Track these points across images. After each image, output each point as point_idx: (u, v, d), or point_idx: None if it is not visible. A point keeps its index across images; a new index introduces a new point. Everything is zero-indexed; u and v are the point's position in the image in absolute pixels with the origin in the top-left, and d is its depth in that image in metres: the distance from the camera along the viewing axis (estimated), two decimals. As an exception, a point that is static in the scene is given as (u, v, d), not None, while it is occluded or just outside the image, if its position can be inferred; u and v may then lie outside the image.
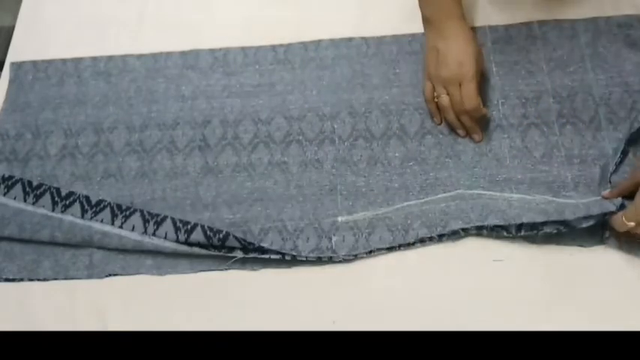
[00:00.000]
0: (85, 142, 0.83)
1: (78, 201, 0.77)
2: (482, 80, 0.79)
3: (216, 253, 0.73)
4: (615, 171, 0.72)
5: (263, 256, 0.72)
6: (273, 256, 0.72)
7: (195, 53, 0.88)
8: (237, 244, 0.72)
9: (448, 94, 0.75)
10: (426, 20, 0.79)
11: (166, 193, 0.79)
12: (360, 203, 0.76)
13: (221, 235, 0.71)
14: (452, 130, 0.78)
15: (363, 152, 0.79)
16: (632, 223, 0.64)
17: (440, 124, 0.79)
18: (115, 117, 0.85)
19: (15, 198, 0.78)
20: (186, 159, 0.81)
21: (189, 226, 0.73)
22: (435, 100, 0.77)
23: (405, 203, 0.75)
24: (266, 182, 0.78)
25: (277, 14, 0.91)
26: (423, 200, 0.75)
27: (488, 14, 0.86)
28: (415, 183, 0.76)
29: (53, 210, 0.77)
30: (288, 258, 0.72)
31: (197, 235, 0.72)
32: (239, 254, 0.72)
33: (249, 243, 0.71)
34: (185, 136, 0.82)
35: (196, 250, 0.73)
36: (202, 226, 0.72)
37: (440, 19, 0.76)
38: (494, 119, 0.79)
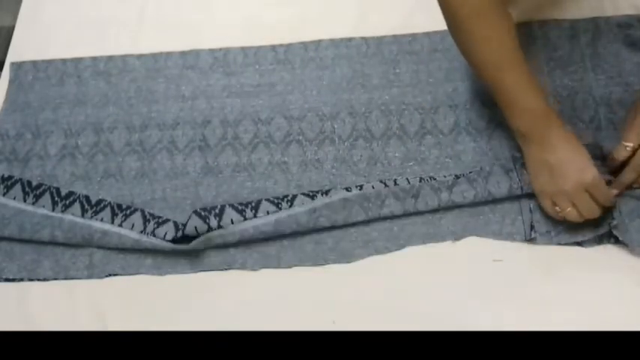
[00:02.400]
0: (85, 142, 0.83)
1: (78, 200, 0.77)
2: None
3: (215, 249, 0.73)
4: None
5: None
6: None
7: (195, 53, 0.88)
8: (235, 216, 0.72)
9: (574, 205, 0.68)
10: (522, 135, 0.71)
11: (166, 193, 0.79)
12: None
13: (217, 211, 0.72)
14: (452, 129, 0.78)
15: (363, 152, 0.79)
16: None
17: None
18: (115, 117, 0.85)
19: (15, 198, 0.78)
20: (186, 159, 0.81)
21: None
22: (560, 215, 0.70)
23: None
24: (266, 182, 0.78)
25: (277, 14, 0.92)
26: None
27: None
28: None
29: (53, 210, 0.77)
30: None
31: (192, 222, 0.72)
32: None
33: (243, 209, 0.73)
34: (185, 136, 0.82)
35: (194, 244, 0.72)
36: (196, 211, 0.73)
37: (539, 131, 0.69)
38: (494, 119, 0.79)
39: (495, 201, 0.74)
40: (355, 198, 0.73)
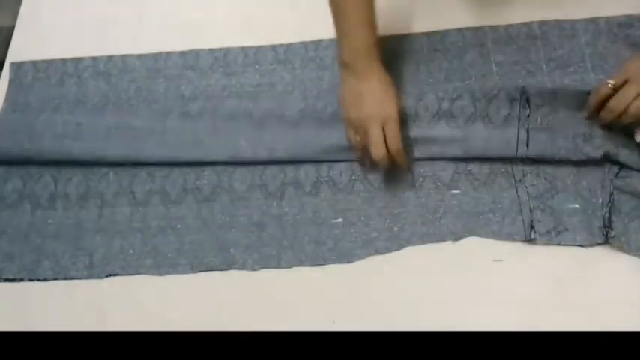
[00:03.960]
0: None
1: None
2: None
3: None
4: None
5: None
6: None
7: (195, 53, 0.88)
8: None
9: (367, 137, 0.71)
10: (346, 65, 0.75)
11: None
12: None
13: None
14: None
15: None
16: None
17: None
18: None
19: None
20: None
21: None
22: (354, 143, 0.74)
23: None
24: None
25: (277, 14, 0.91)
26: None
27: (488, 14, 0.86)
28: None
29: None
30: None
31: None
32: None
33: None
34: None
35: None
36: None
37: (360, 61, 0.73)
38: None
39: (495, 201, 0.74)
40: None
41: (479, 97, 0.76)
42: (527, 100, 0.75)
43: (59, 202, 0.79)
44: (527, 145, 0.74)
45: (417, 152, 0.76)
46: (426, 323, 0.67)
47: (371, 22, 0.73)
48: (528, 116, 0.75)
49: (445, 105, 0.76)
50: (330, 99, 0.79)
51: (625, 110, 0.70)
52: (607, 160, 0.73)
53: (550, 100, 0.76)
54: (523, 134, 0.74)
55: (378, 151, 0.70)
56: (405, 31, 0.86)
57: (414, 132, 0.76)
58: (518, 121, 0.75)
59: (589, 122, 0.74)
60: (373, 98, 0.72)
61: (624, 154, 0.72)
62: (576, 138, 0.74)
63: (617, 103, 0.70)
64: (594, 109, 0.73)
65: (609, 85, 0.71)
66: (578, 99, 0.75)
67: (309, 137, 0.78)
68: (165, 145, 0.79)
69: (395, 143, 0.71)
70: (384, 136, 0.71)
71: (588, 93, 0.74)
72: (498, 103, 0.75)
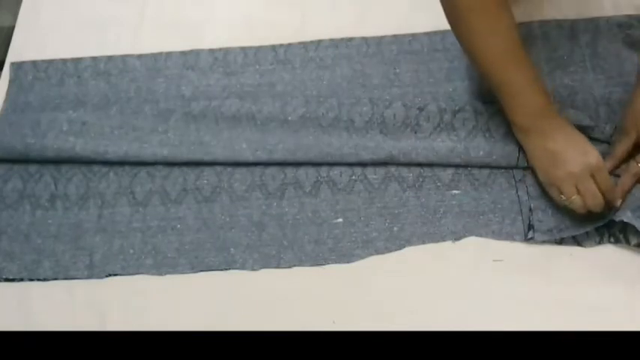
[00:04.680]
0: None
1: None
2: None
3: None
4: None
5: None
6: None
7: (195, 53, 0.88)
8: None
9: (579, 191, 0.68)
10: (523, 129, 0.71)
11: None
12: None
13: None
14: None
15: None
16: None
17: None
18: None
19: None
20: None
21: None
22: (566, 203, 0.69)
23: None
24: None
25: (277, 14, 0.91)
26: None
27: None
28: None
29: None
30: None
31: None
32: None
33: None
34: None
35: None
36: None
37: (540, 123, 0.70)
38: (495, 117, 0.78)
39: (495, 201, 0.74)
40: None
41: (481, 111, 0.76)
42: None
43: (59, 202, 0.79)
44: (527, 159, 0.74)
45: (417, 160, 0.76)
46: (425, 323, 0.67)
47: (539, 81, 0.69)
48: None
49: (447, 117, 0.76)
50: (332, 103, 0.79)
51: None
52: None
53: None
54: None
55: (597, 205, 0.67)
56: (405, 31, 0.86)
57: (415, 142, 0.76)
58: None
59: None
60: (572, 154, 0.68)
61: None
62: None
63: None
64: (627, 189, 0.69)
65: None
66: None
67: (309, 142, 0.77)
68: (168, 144, 0.79)
69: (610, 192, 0.68)
70: (597, 185, 0.67)
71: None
72: (500, 117, 0.75)
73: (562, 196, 0.69)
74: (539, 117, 0.69)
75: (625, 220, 0.67)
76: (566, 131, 0.70)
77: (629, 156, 0.71)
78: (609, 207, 0.69)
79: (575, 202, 0.68)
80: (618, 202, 0.69)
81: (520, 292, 0.69)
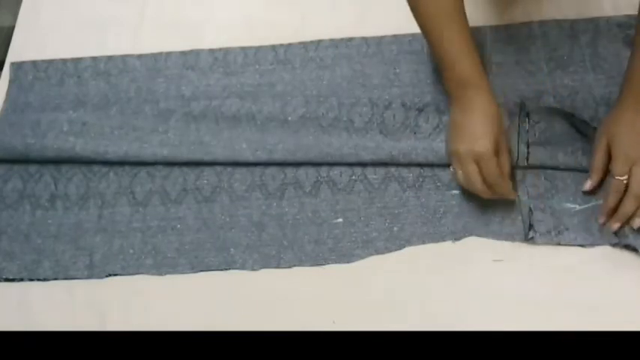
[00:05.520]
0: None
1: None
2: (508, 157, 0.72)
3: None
4: None
5: None
6: None
7: (195, 53, 0.88)
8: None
9: (462, 171, 0.70)
10: (450, 95, 0.73)
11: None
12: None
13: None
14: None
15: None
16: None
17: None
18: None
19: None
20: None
21: None
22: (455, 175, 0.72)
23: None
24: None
25: (277, 14, 0.92)
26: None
27: (488, 14, 0.86)
28: None
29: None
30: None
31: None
32: None
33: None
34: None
35: None
36: None
37: (461, 92, 0.71)
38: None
39: (495, 201, 0.74)
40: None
41: None
42: (527, 115, 0.75)
43: (59, 202, 0.79)
44: (527, 160, 0.74)
45: (417, 160, 0.76)
46: (426, 323, 0.67)
47: (473, 51, 0.70)
48: (527, 131, 0.75)
49: (446, 118, 0.76)
50: (332, 103, 0.79)
51: None
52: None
53: (546, 115, 0.76)
54: (523, 148, 0.74)
55: (474, 188, 0.69)
56: (405, 31, 0.86)
57: (415, 143, 0.76)
58: (518, 135, 0.74)
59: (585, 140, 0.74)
60: (471, 133, 0.69)
61: None
62: (575, 152, 0.74)
63: (638, 191, 0.67)
64: (614, 206, 0.69)
65: (624, 182, 0.68)
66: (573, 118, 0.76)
67: (309, 142, 0.77)
68: (168, 144, 0.79)
69: (491, 179, 0.68)
70: (481, 171, 0.68)
71: (583, 121, 0.74)
72: None
73: (458, 170, 0.71)
74: (462, 87, 0.70)
75: (630, 244, 0.68)
76: (481, 111, 0.69)
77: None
78: (499, 196, 0.70)
79: (458, 177, 0.71)
80: (508, 196, 0.70)
81: (520, 292, 0.69)
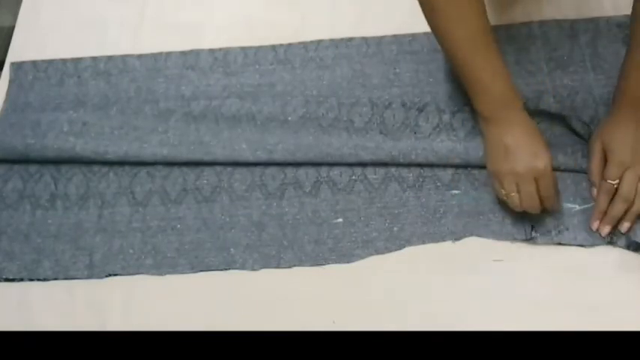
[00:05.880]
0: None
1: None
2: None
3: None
4: None
5: None
6: None
7: (196, 53, 0.88)
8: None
9: (519, 191, 0.68)
10: (484, 117, 0.71)
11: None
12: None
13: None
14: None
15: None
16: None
17: None
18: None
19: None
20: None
21: None
22: (504, 197, 0.70)
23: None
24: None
25: (277, 14, 0.91)
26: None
27: (488, 14, 0.86)
28: None
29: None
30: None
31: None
32: None
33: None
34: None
35: None
36: None
37: (500, 113, 0.70)
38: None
39: (495, 201, 0.74)
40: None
41: None
42: None
43: (59, 202, 0.79)
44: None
45: (417, 160, 0.76)
46: (425, 323, 0.67)
47: (505, 70, 0.69)
48: None
49: (446, 118, 0.76)
50: (332, 103, 0.79)
51: (634, 200, 0.68)
52: None
53: (546, 117, 0.76)
54: None
55: (532, 207, 0.69)
56: (405, 31, 0.86)
57: (415, 143, 0.76)
58: None
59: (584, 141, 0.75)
60: (526, 152, 0.68)
61: None
62: (575, 153, 0.74)
63: (627, 195, 0.68)
64: (604, 209, 0.70)
65: (614, 185, 0.69)
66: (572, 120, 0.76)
67: (309, 142, 0.77)
68: (168, 144, 0.79)
69: (549, 199, 0.69)
70: (538, 189, 0.68)
71: (582, 122, 0.75)
72: None
73: (502, 190, 0.69)
74: (500, 107, 0.69)
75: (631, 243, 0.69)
76: (525, 127, 0.69)
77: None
78: (548, 211, 0.70)
79: (513, 199, 0.69)
80: (557, 209, 0.71)
81: (520, 292, 0.69)
